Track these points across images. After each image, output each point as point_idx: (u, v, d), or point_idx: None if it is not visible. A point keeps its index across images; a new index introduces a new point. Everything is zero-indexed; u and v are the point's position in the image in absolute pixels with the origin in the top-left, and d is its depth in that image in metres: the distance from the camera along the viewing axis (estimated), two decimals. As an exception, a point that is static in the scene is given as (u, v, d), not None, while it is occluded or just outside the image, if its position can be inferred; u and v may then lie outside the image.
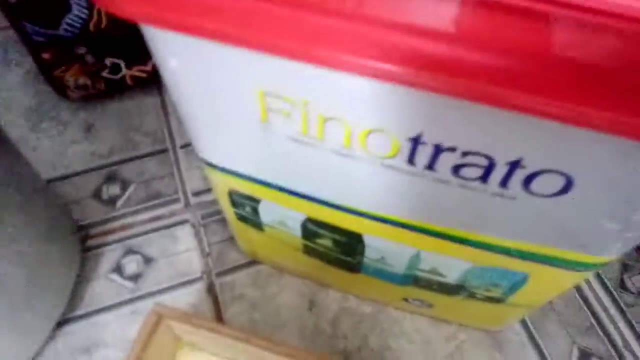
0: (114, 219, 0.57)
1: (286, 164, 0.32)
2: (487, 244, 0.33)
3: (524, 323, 0.54)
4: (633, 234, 0.28)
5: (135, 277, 0.54)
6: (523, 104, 0.20)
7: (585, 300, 0.56)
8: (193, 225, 0.57)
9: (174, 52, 0.26)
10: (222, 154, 0.35)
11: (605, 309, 0.56)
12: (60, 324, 0.50)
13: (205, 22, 0.21)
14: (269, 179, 0.35)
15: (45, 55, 0.54)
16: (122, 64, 0.58)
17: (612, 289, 0.57)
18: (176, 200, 0.59)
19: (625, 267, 0.59)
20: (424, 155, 0.26)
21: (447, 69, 0.20)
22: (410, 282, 0.44)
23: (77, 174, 0.60)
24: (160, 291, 0.53)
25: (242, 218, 0.45)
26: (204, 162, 0.37)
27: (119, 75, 0.59)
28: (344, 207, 0.35)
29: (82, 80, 0.59)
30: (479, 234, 0.33)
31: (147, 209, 0.58)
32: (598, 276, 0.58)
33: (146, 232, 0.56)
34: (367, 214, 0.35)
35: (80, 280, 0.53)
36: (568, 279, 0.36)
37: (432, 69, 0.20)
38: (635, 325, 0.55)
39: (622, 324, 0.55)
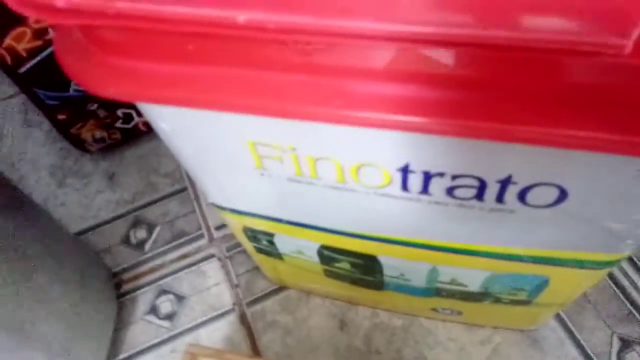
0: (144, 262, 0.59)
1: (290, 201, 0.33)
2: (499, 254, 0.34)
3: (559, 319, 0.53)
4: (641, 230, 0.28)
5: (170, 317, 0.55)
6: (495, 135, 0.20)
7: (621, 288, 0.55)
8: (219, 259, 0.59)
9: (163, 118, 0.27)
10: (229, 198, 0.36)
11: (643, 294, 0.54)
12: (105, 370, 0.52)
13: (180, 92, 0.22)
14: (278, 216, 0.36)
15: (61, 117, 0.57)
16: (133, 113, 0.60)
17: (647, 273, 0.56)
18: (200, 237, 0.61)
19: (659, 248, 0.57)
20: (415, 182, 0.27)
21: (420, 110, 0.20)
22: (433, 294, 0.44)
23: (104, 222, 0.63)
24: (196, 327, 0.55)
25: (261, 251, 0.46)
26: (213, 205, 0.38)
27: (132, 124, 0.62)
28: (353, 233, 0.36)
29: (98, 133, 0.61)
30: (488, 246, 0.33)
31: (174, 248, 0.60)
32: (632, 262, 0.56)
33: (175, 271, 0.58)
34: (376, 238, 0.35)
35: (120, 326, 0.55)
36: (588, 277, 0.36)
37: (404, 111, 0.21)
38: (676, 307, 0.53)
39: (662, 308, 0.53)
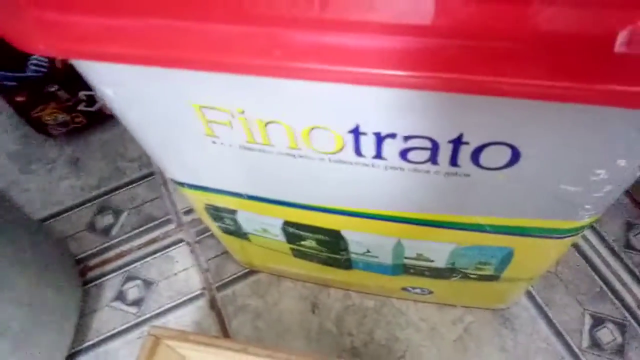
0: (111, 248, 0.58)
1: (246, 172, 0.32)
2: (461, 224, 0.33)
3: (531, 297, 0.53)
4: (599, 194, 0.27)
5: (138, 302, 0.54)
6: (440, 85, 0.19)
7: (592, 265, 0.55)
8: (188, 244, 0.58)
9: (104, 81, 0.26)
10: (185, 172, 0.35)
11: (614, 272, 0.54)
12: (71, 356, 0.51)
13: (114, 47, 0.21)
14: (237, 189, 0.35)
15: (20, 99, 0.55)
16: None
17: (618, 251, 0.56)
18: (169, 222, 0.59)
19: (629, 226, 0.57)
20: (368, 145, 0.26)
21: (364, 60, 0.20)
22: (401, 271, 0.43)
23: (69, 209, 0.61)
24: (164, 312, 0.53)
25: (226, 231, 0.45)
26: (172, 181, 0.37)
27: (96, 107, 0.60)
28: (313, 206, 0.35)
29: (60, 117, 0.60)
30: (449, 215, 0.32)
31: (141, 233, 0.59)
32: (602, 239, 0.56)
33: (143, 257, 0.57)
34: (337, 210, 0.34)
35: (85, 312, 0.53)
36: (553, 248, 0.35)
37: (346, 62, 0.20)
38: (647, 283, 0.54)
39: (633, 285, 0.53)
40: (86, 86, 0.57)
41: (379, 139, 0.25)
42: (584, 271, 0.54)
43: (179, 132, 0.29)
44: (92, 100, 0.59)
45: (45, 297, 0.47)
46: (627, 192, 0.60)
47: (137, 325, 0.52)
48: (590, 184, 0.26)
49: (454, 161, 0.26)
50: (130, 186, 0.62)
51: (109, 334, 0.52)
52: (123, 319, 0.53)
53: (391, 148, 0.26)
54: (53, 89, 0.55)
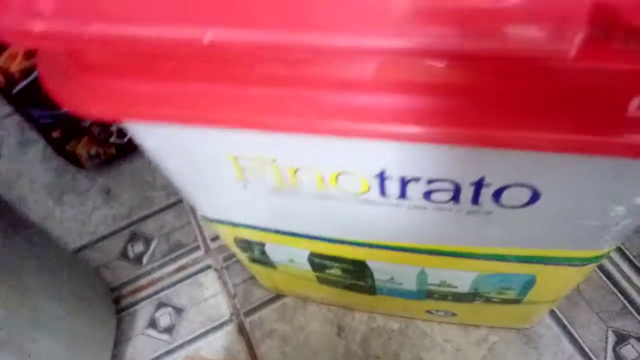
0: (142, 275, 0.60)
1: (276, 211, 0.34)
2: (484, 254, 0.34)
3: (554, 316, 0.53)
4: (619, 227, 0.28)
5: (169, 329, 0.56)
6: (464, 140, 0.21)
7: (614, 282, 0.55)
8: (216, 270, 0.60)
9: (147, 135, 0.28)
10: (217, 210, 0.37)
11: (636, 287, 0.55)
12: (107, 384, 0.53)
13: (159, 110, 0.23)
14: (266, 225, 0.37)
15: (55, 134, 0.58)
16: (127, 129, 0.61)
17: (639, 266, 0.56)
18: (197, 248, 0.61)
19: (651, 242, 0.57)
20: (393, 187, 0.27)
21: (391, 119, 0.21)
22: (425, 296, 0.44)
23: (102, 238, 0.63)
24: (195, 339, 0.55)
25: (254, 260, 0.47)
26: (203, 218, 0.39)
27: (126, 139, 0.63)
28: (338, 240, 0.36)
29: (93, 150, 0.62)
30: (471, 247, 0.33)
31: (171, 260, 0.61)
32: (624, 254, 0.57)
33: (173, 284, 0.59)
34: (362, 243, 0.36)
35: (120, 340, 0.55)
36: (575, 274, 0.36)
37: (376, 120, 0.21)
38: (671, 299, 0.54)
39: (656, 301, 0.54)
40: (116, 121, 0.59)
41: (404, 182, 0.27)
42: (606, 288, 0.55)
43: (213, 178, 0.31)
44: (122, 133, 0.61)
45: (83, 328, 0.49)
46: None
47: (170, 352, 0.54)
48: (609, 219, 0.27)
49: (475, 201, 0.27)
50: (160, 214, 0.64)
51: (143, 361, 0.54)
52: (156, 347, 0.55)
53: (415, 190, 0.27)
54: (87, 125, 0.58)
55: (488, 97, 0.20)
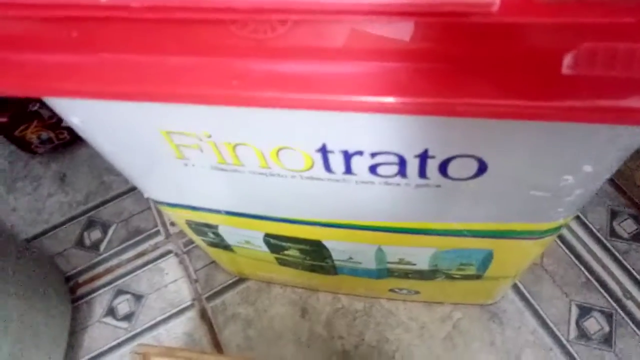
0: (100, 263, 0.58)
1: (222, 191, 0.33)
2: (439, 230, 0.33)
3: (518, 290, 0.53)
4: (571, 198, 0.28)
5: (129, 317, 0.54)
6: (395, 108, 0.19)
7: (577, 255, 0.55)
8: (177, 255, 0.58)
9: (71, 111, 0.26)
10: (162, 191, 0.35)
11: (600, 261, 0.55)
12: (64, 375, 0.51)
13: (69, 83, 0.21)
14: (214, 207, 0.36)
15: (2, 119, 0.55)
16: (79, 111, 0.59)
17: (602, 239, 0.56)
18: (157, 233, 0.60)
19: (613, 214, 0.58)
20: (337, 162, 0.26)
21: (320, 87, 0.20)
22: (386, 274, 0.44)
23: (57, 226, 0.61)
24: (155, 325, 0.54)
25: (210, 244, 0.45)
26: (150, 200, 0.37)
27: (78, 123, 0.60)
28: (291, 219, 0.35)
29: (44, 134, 0.59)
30: (425, 223, 0.32)
31: (130, 247, 0.59)
32: (587, 228, 0.57)
33: (133, 270, 0.57)
34: (315, 222, 0.35)
35: (76, 330, 0.54)
36: (532, 247, 0.35)
37: (307, 90, 0.20)
38: (633, 271, 0.54)
39: (618, 273, 0.54)
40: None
41: (347, 156, 0.25)
42: (569, 262, 0.55)
43: (149, 156, 0.29)
44: (72, 116, 0.59)
45: (34, 318, 0.47)
46: (611, 180, 0.60)
47: (128, 340, 0.53)
48: (560, 189, 0.26)
49: (422, 174, 0.26)
50: (118, 200, 0.62)
51: (100, 351, 0.52)
52: (114, 335, 0.53)
53: (360, 164, 0.26)
54: (35, 108, 0.55)
55: (417, 62, 0.18)
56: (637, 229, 0.56)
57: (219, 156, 0.28)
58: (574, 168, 0.24)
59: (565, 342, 0.50)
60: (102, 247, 0.59)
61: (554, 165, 0.24)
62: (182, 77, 0.21)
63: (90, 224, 0.61)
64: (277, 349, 0.51)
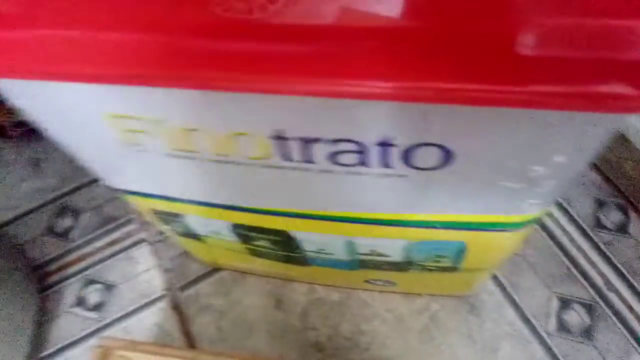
0: (71, 251, 0.56)
1: (179, 178, 0.31)
2: (409, 222, 0.32)
3: (497, 282, 0.52)
4: (542, 189, 0.26)
5: (99, 307, 0.53)
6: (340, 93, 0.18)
7: (560, 246, 0.54)
8: (150, 244, 0.56)
9: (13, 93, 0.24)
10: (119, 180, 0.33)
11: (583, 252, 0.54)
12: (30, 366, 0.50)
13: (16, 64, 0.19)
14: (175, 195, 0.34)
15: (-34, 101, 0.53)
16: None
17: (587, 229, 0.55)
18: (130, 221, 0.58)
19: (598, 204, 0.56)
20: (295, 150, 0.25)
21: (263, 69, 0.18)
22: (359, 266, 0.42)
23: (28, 212, 0.59)
24: (125, 316, 0.52)
25: (180, 233, 0.43)
26: (109, 188, 0.35)
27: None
28: (255, 209, 0.33)
29: (16, 117, 0.57)
30: (394, 214, 0.31)
31: (102, 234, 0.57)
32: (571, 218, 0.56)
33: (104, 259, 0.56)
34: (280, 212, 0.33)
35: (44, 320, 0.52)
36: (507, 239, 0.34)
37: (255, 72, 0.18)
38: (617, 263, 0.53)
39: (601, 264, 0.53)
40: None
41: (304, 143, 0.24)
42: (551, 252, 0.54)
43: (98, 142, 0.27)
44: (41, 99, 0.57)
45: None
46: (597, 169, 0.59)
47: (98, 330, 0.51)
48: (530, 180, 0.25)
49: (385, 163, 0.24)
50: (91, 186, 0.60)
51: (68, 342, 0.51)
52: (83, 325, 0.52)
53: (319, 152, 0.24)
54: None
55: (365, 41, 0.17)
56: (622, 220, 0.55)
57: (171, 142, 0.26)
58: (543, 159, 0.23)
59: (544, 335, 0.49)
60: (74, 234, 0.57)
61: (521, 155, 0.23)
62: (125, 57, 0.19)
63: (61, 211, 0.59)
64: (249, 341, 0.50)
